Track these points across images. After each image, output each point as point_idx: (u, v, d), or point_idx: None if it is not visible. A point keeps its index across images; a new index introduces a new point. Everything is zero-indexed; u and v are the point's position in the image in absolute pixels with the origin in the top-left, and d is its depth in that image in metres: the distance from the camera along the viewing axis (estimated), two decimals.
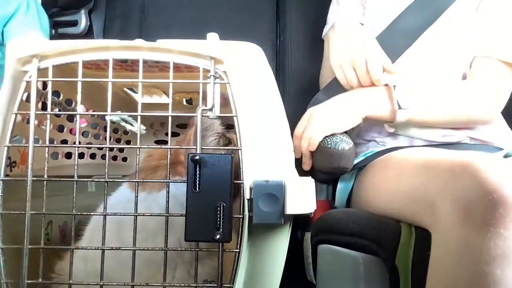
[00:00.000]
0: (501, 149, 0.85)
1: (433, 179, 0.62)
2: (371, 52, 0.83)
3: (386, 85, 0.82)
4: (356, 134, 0.99)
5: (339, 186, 0.90)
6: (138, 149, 0.54)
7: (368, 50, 0.83)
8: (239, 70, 0.53)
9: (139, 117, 0.54)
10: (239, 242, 0.50)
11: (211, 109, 0.52)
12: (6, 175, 0.53)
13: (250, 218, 0.49)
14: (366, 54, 0.82)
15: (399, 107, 0.80)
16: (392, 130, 0.88)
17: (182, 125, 0.99)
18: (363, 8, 1.01)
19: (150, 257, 0.58)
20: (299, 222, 0.89)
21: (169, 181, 0.53)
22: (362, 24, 0.98)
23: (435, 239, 0.59)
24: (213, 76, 0.52)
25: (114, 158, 1.00)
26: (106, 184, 0.53)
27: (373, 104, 0.82)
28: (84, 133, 0.88)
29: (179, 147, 0.60)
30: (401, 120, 0.82)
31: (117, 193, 0.64)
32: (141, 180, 0.55)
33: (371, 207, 0.78)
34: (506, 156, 0.82)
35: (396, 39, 0.89)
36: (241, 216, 0.50)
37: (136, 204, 0.53)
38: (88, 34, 1.32)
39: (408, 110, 0.81)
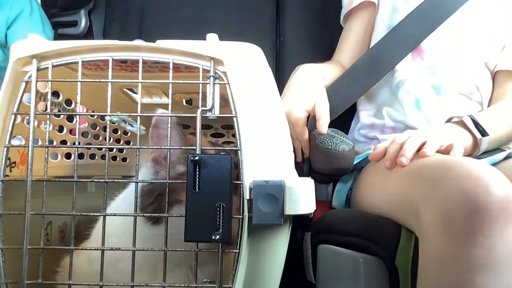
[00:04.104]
0: (503, 150, 0.85)
1: (417, 186, 0.62)
2: (295, 110, 0.81)
3: (461, 121, 0.78)
4: (358, 132, 0.99)
5: (337, 186, 0.90)
6: (137, 149, 0.54)
7: (291, 106, 0.81)
8: (238, 71, 0.53)
9: (138, 118, 0.54)
10: (239, 242, 0.50)
11: (210, 110, 0.52)
12: (6, 176, 0.53)
13: (250, 218, 0.49)
14: (288, 109, 0.80)
15: (482, 135, 0.76)
16: None
17: (182, 125, 0.99)
18: None
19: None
20: (299, 222, 0.89)
21: (169, 181, 0.53)
22: (375, 4, 0.98)
23: (421, 246, 0.59)
24: (213, 76, 0.52)
25: (114, 158, 1.00)
26: (106, 184, 0.53)
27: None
28: (84, 134, 0.88)
29: (179, 147, 0.60)
30: (484, 147, 0.77)
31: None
32: (140, 181, 0.55)
33: (368, 208, 0.78)
34: (508, 156, 0.81)
35: (416, 27, 0.89)
36: (241, 216, 0.50)
37: (135, 205, 0.53)
38: (88, 34, 1.32)
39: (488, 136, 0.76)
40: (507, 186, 0.55)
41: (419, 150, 0.68)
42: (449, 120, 0.80)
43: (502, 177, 0.56)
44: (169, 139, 0.54)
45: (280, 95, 0.56)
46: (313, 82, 0.87)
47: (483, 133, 0.75)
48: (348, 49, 1.01)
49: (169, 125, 0.53)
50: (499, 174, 0.56)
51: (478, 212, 0.52)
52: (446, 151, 0.70)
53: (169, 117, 0.53)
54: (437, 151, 0.69)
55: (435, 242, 0.55)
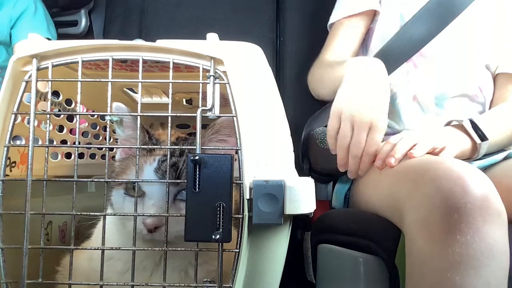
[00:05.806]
0: (503, 150, 0.85)
1: (401, 186, 0.63)
2: (379, 115, 0.73)
3: (460, 124, 0.77)
4: None
5: (336, 186, 0.90)
6: (138, 149, 0.54)
7: (377, 111, 0.72)
8: (239, 70, 0.53)
9: (139, 117, 0.54)
10: (239, 242, 0.50)
11: (210, 109, 0.52)
12: (6, 175, 0.53)
13: (250, 218, 0.49)
14: (373, 117, 0.72)
15: (482, 140, 0.75)
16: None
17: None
18: None
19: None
20: (299, 222, 0.89)
21: (169, 181, 0.53)
22: (378, 12, 0.96)
23: (406, 246, 0.59)
24: (213, 76, 0.52)
25: (114, 158, 1.00)
26: (106, 184, 0.53)
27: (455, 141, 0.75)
28: (84, 133, 0.88)
29: (179, 147, 0.60)
30: (483, 152, 0.76)
31: None
32: (140, 180, 0.55)
33: (365, 207, 0.78)
34: (508, 156, 0.81)
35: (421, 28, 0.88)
36: (241, 216, 0.50)
37: (135, 204, 0.53)
38: (88, 34, 1.32)
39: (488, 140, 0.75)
40: (486, 185, 0.55)
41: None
42: (449, 123, 0.80)
43: (481, 176, 0.56)
44: (169, 138, 0.54)
45: (281, 94, 0.56)
46: (386, 81, 0.79)
47: (483, 137, 0.75)
48: (344, 52, 0.99)
49: (169, 125, 0.53)
50: (479, 173, 0.57)
51: (456, 211, 0.52)
52: (438, 153, 0.70)
53: (169, 117, 0.53)
54: (430, 154, 0.69)
55: (416, 241, 0.56)
